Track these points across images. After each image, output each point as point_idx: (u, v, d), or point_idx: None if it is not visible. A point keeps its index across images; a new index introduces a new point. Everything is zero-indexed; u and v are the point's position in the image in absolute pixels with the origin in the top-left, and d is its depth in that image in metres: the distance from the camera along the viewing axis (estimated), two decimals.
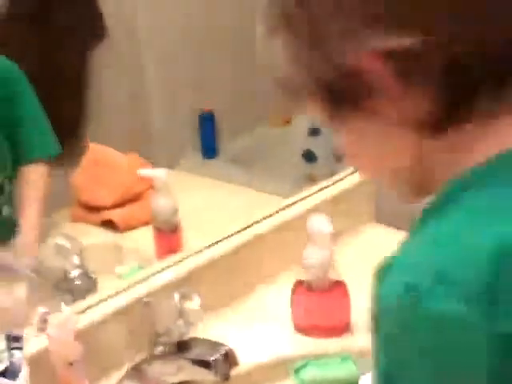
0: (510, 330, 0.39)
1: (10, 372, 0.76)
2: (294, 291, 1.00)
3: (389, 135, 0.49)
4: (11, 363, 0.76)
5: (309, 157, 1.63)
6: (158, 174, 1.13)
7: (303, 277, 0.99)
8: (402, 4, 0.43)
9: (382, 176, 0.53)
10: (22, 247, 1.05)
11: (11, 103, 1.09)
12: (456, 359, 0.41)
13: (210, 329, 0.91)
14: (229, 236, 1.09)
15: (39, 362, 0.79)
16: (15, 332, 0.77)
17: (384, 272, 0.44)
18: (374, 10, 0.44)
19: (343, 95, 0.48)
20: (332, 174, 1.31)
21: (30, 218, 1.09)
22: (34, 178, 1.12)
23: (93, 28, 1.61)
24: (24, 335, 0.76)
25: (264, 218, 1.14)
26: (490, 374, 0.40)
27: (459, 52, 0.44)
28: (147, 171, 1.17)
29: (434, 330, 0.40)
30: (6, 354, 0.76)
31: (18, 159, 1.11)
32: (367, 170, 0.56)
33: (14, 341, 0.76)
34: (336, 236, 1.02)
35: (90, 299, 0.95)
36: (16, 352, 0.76)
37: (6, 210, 1.10)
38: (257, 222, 1.13)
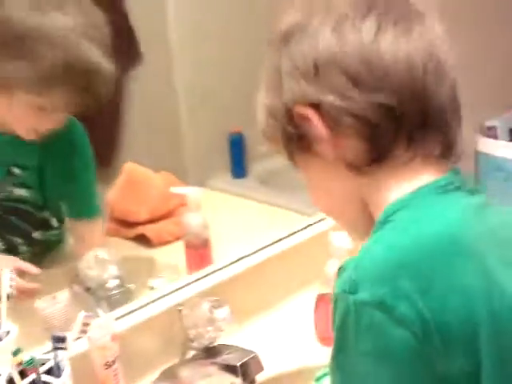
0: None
1: (54, 371, 0.82)
2: (316, 304, 1.04)
3: (331, 173, 0.63)
4: (56, 363, 0.81)
5: None
6: (190, 191, 1.18)
7: (325, 290, 1.02)
8: (332, 76, 0.60)
9: (335, 214, 0.68)
10: None
11: (73, 156, 1.16)
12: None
13: (237, 337, 0.96)
14: (256, 251, 1.15)
15: (80, 362, 0.85)
16: (60, 334, 0.83)
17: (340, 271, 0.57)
18: (313, 77, 0.60)
19: (291, 137, 0.63)
20: None
21: None
22: (87, 235, 1.18)
23: (129, 53, 1.69)
24: (68, 337, 0.82)
25: (289, 235, 1.19)
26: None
27: (369, 117, 0.59)
28: (179, 189, 1.22)
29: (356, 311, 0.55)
30: (51, 354, 0.82)
31: (70, 213, 1.18)
32: (323, 207, 0.69)
33: (58, 342, 0.81)
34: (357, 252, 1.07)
35: (126, 307, 1.01)
36: (60, 352, 0.81)
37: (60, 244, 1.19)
38: (282, 238, 1.18)
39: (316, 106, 0.60)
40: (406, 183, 0.61)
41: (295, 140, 0.63)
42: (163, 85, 1.81)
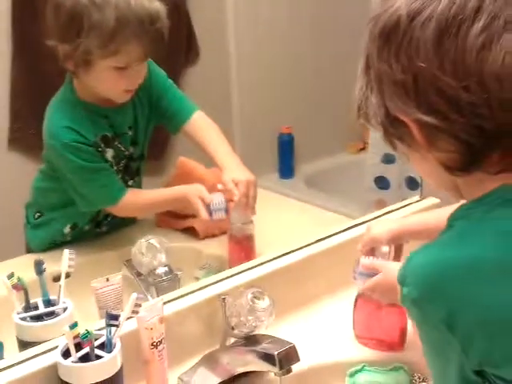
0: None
1: (106, 346, 0.87)
2: (356, 303, 1.07)
3: (426, 163, 0.65)
4: (108, 338, 0.87)
5: (381, 183, 1.67)
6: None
7: None
8: (430, 95, 0.59)
9: (438, 187, 0.71)
10: (230, 171, 1.22)
11: (156, 90, 1.27)
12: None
13: (276, 328, 0.99)
14: (299, 248, 1.18)
15: (129, 340, 0.90)
16: (114, 312, 0.89)
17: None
18: (412, 90, 0.60)
19: (393, 134, 0.65)
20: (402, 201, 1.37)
21: (220, 147, 1.26)
22: (201, 124, 1.30)
23: (187, 51, 1.75)
24: (120, 315, 0.88)
25: (332, 235, 1.22)
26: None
27: (464, 137, 0.60)
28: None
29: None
30: (104, 331, 0.88)
31: (179, 120, 1.30)
32: (428, 181, 0.72)
33: (112, 319, 0.87)
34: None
35: (173, 293, 1.06)
36: (113, 329, 0.87)
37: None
38: (325, 237, 1.21)
39: (415, 119, 0.61)
40: (489, 185, 0.63)
41: (392, 134, 0.65)
42: (217, 84, 1.86)
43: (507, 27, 0.57)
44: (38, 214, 1.29)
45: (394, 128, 0.64)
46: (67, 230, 1.28)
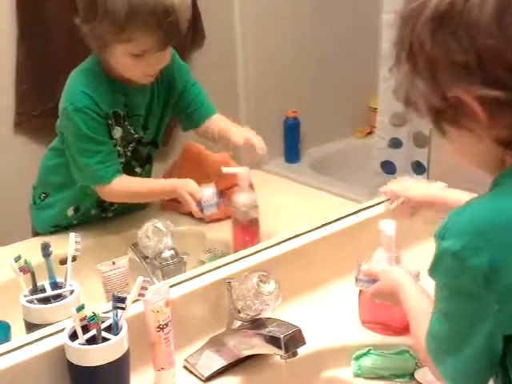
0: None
1: (113, 328, 0.88)
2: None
3: (476, 145, 0.66)
4: (115, 321, 0.88)
5: (388, 168, 1.67)
6: (241, 170, 1.23)
7: None
8: (497, 69, 0.60)
9: (471, 164, 0.70)
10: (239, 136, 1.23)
11: (179, 83, 1.28)
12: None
13: (282, 311, 1.00)
14: (303, 233, 1.18)
15: (136, 323, 0.91)
16: (120, 294, 0.89)
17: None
18: (475, 67, 0.61)
19: (446, 118, 0.65)
20: None
21: (234, 129, 1.28)
22: (220, 120, 1.31)
23: (192, 34, 1.74)
24: (127, 298, 0.88)
25: (337, 219, 1.22)
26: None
27: None
28: (230, 168, 1.27)
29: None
30: (111, 313, 0.89)
31: (197, 122, 1.31)
32: (462, 161, 0.72)
33: (118, 301, 0.87)
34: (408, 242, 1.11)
35: (179, 276, 1.06)
36: (119, 312, 0.88)
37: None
38: (330, 222, 1.21)
39: (478, 96, 0.61)
40: None
41: (446, 117, 0.65)
42: (223, 68, 1.86)
43: None
44: (44, 195, 1.29)
45: (451, 110, 0.64)
46: (70, 212, 1.28)
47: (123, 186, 1.21)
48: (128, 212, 1.32)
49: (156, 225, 1.13)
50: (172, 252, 1.14)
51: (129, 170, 1.25)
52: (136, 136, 1.25)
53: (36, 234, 1.31)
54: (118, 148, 1.23)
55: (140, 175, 1.29)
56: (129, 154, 1.25)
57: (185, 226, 1.31)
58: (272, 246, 1.14)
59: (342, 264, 1.14)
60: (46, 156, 1.30)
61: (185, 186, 1.18)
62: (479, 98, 0.61)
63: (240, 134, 1.25)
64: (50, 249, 0.98)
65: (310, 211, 1.35)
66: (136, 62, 1.14)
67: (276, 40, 1.96)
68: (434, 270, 0.67)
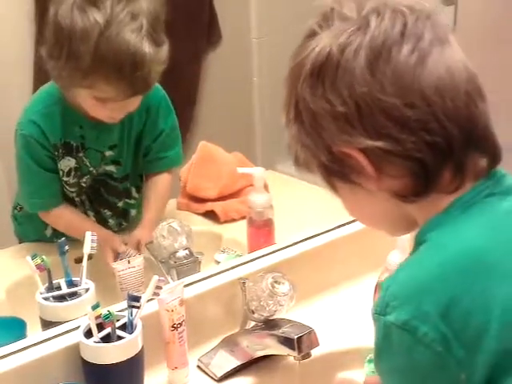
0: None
1: (128, 327, 0.88)
2: (375, 291, 1.06)
3: (372, 201, 0.64)
4: (130, 319, 0.88)
5: None
6: (256, 171, 1.22)
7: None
8: (376, 118, 0.59)
9: (375, 226, 0.70)
10: (140, 235, 1.17)
11: (156, 120, 1.20)
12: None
13: (296, 312, 0.99)
14: (319, 234, 1.18)
15: (150, 322, 0.91)
16: (135, 293, 0.89)
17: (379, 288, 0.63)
18: (356, 118, 0.60)
19: (335, 173, 0.64)
20: None
21: (150, 213, 1.21)
22: (160, 186, 1.24)
23: (209, 33, 1.75)
24: (142, 297, 0.89)
25: (352, 221, 1.21)
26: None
27: (417, 156, 0.59)
28: (245, 169, 1.26)
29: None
30: (126, 312, 0.89)
31: (150, 168, 1.23)
32: (363, 222, 0.71)
33: (133, 300, 0.87)
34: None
35: (194, 276, 1.06)
36: (134, 310, 0.88)
37: (132, 212, 1.25)
38: (345, 223, 1.20)
39: (362, 149, 0.60)
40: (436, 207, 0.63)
41: (335, 173, 0.64)
42: (239, 67, 1.85)
43: (433, 43, 0.60)
44: (20, 207, 1.24)
45: (338, 165, 0.62)
46: (49, 231, 1.21)
47: (60, 219, 1.17)
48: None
49: (171, 224, 1.13)
50: (187, 252, 1.14)
51: (96, 202, 1.20)
52: (91, 169, 1.18)
53: (21, 240, 1.26)
54: (66, 179, 1.16)
55: (119, 210, 1.23)
56: (83, 185, 1.18)
57: (200, 226, 1.31)
58: (287, 247, 1.14)
59: (357, 265, 1.15)
60: None
61: (110, 242, 1.14)
62: (364, 150, 0.60)
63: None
64: (66, 247, 0.98)
65: (325, 212, 1.34)
66: (100, 105, 1.08)
67: (292, 41, 1.96)
68: (381, 355, 0.61)
